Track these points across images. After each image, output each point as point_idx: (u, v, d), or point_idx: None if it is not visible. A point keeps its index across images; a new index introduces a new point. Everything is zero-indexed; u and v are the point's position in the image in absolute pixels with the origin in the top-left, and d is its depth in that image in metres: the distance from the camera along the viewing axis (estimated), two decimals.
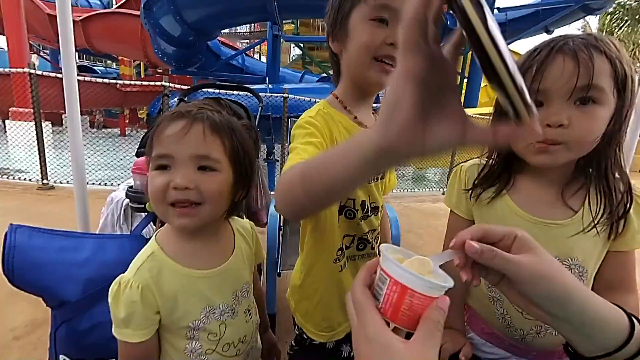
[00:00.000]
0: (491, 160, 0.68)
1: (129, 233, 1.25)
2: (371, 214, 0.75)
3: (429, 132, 0.25)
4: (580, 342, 0.38)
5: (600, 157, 0.57)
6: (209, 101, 0.67)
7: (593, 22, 18.08)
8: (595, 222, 0.57)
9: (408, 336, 0.33)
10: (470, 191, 0.69)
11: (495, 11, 7.34)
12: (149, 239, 0.96)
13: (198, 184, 0.54)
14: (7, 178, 3.85)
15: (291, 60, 14.68)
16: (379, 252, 0.37)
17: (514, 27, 8.21)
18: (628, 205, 0.57)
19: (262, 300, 0.83)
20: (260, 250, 0.77)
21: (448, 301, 0.34)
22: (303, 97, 4.42)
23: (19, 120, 5.73)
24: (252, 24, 12.52)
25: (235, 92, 3.05)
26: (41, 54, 12.17)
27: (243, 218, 0.83)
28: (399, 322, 0.34)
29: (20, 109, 5.84)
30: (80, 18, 7.87)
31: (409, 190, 5.02)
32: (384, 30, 0.59)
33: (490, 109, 0.67)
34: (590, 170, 0.59)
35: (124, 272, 0.88)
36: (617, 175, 0.58)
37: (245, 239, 0.72)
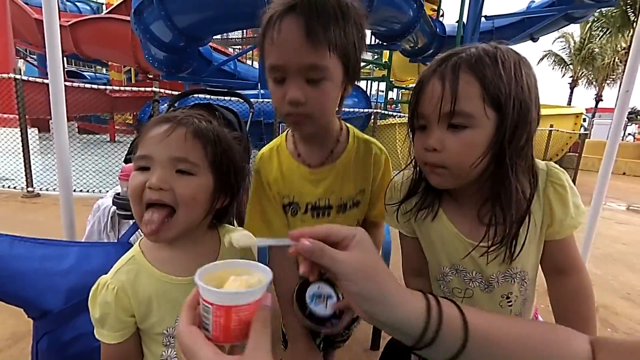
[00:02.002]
0: (414, 175, 0.65)
1: (115, 241, 1.22)
2: None
3: None
4: (396, 336, 0.40)
5: (496, 179, 0.55)
6: (202, 109, 0.65)
7: (576, 30, 18.65)
8: (488, 249, 0.57)
9: None
10: (397, 208, 0.66)
11: (483, 19, 7.54)
12: None
13: (173, 186, 0.54)
14: None
15: None
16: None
17: (500, 35, 8.44)
18: (515, 230, 0.55)
19: None
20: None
21: (270, 296, 0.36)
22: None
23: (4, 126, 5.59)
24: (244, 30, 12.56)
25: (226, 98, 3.04)
26: (28, 59, 11.97)
27: (234, 225, 0.82)
28: (234, 340, 0.34)
29: (5, 115, 5.70)
30: (69, 23, 7.79)
31: None
32: (282, 89, 0.58)
33: None
34: (494, 190, 0.57)
35: None
36: (519, 192, 0.54)
37: (235, 249, 0.68)
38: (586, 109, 11.64)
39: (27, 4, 8.25)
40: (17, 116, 3.55)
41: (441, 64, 0.53)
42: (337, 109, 0.65)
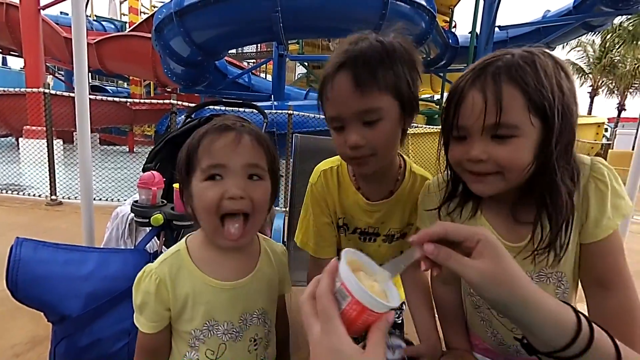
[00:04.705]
0: (448, 176, 0.64)
1: (132, 247, 1.25)
2: None
3: None
4: (530, 339, 0.40)
5: (536, 184, 0.54)
6: (238, 117, 0.66)
7: (595, 38, 18.18)
8: (534, 252, 0.55)
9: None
10: (438, 211, 0.65)
11: (497, 29, 7.50)
12: (152, 253, 0.97)
13: (249, 193, 0.55)
14: (18, 194, 3.92)
15: (296, 78, 15.02)
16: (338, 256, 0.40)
17: (515, 44, 8.34)
18: (567, 229, 0.54)
19: (286, 337, 0.77)
20: (286, 280, 0.71)
21: (393, 315, 0.38)
22: (307, 114, 4.49)
23: (32, 138, 5.90)
24: (258, 44, 12.94)
25: (241, 109, 3.12)
26: (56, 75, 12.66)
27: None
28: (350, 333, 0.37)
29: (34, 128, 6.02)
30: (95, 41, 8.22)
31: None
32: (342, 136, 0.61)
33: None
34: (539, 193, 0.55)
35: (125, 287, 0.87)
36: (565, 195, 0.53)
37: (272, 262, 0.68)
38: (608, 119, 11.26)
39: (57, 23, 8.79)
40: (44, 128, 3.73)
41: (479, 75, 0.52)
42: (399, 144, 0.67)
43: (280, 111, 4.48)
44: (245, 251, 0.65)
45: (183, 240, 0.64)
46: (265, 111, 1.52)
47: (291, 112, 4.35)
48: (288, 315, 0.77)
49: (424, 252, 0.40)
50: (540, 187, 0.54)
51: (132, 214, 1.09)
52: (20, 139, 6.37)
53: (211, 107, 1.63)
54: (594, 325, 0.37)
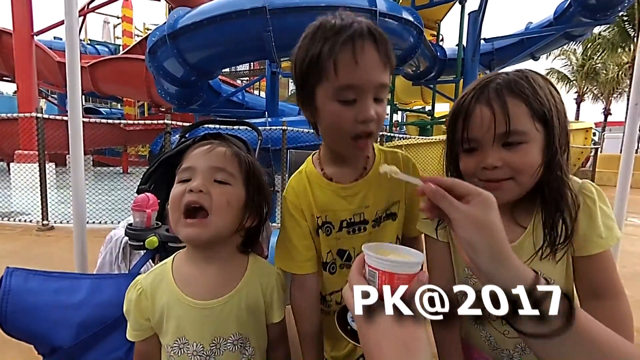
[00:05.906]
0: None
1: (126, 272, 1.22)
2: None
3: None
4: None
5: (545, 184, 0.59)
6: (233, 137, 0.72)
7: (578, 46, 18.83)
8: (555, 247, 0.58)
9: None
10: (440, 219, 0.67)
11: (482, 42, 7.74)
12: None
13: (210, 191, 0.58)
14: (8, 220, 3.84)
15: (289, 94, 15.24)
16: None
17: (501, 55, 8.61)
18: (570, 230, 0.58)
19: None
20: (275, 307, 0.66)
21: (427, 275, 0.40)
22: (301, 129, 4.53)
23: (24, 162, 5.83)
24: (251, 63, 13.19)
25: (235, 127, 3.13)
26: (49, 98, 12.69)
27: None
28: None
29: (26, 152, 5.96)
30: (89, 64, 8.30)
31: None
32: (351, 110, 0.57)
33: None
34: (541, 195, 0.60)
35: (119, 314, 0.85)
36: (572, 192, 0.58)
37: (258, 286, 0.65)
38: (595, 123, 11.54)
39: (50, 48, 8.89)
40: (36, 152, 3.70)
41: (482, 91, 0.57)
42: None
43: (274, 127, 4.51)
44: (227, 270, 0.63)
45: (175, 254, 0.67)
46: (260, 128, 1.53)
47: (285, 127, 4.39)
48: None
49: (425, 188, 0.44)
50: (549, 185, 0.58)
51: (126, 238, 1.07)
52: (11, 164, 6.30)
53: (205, 125, 1.63)
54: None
